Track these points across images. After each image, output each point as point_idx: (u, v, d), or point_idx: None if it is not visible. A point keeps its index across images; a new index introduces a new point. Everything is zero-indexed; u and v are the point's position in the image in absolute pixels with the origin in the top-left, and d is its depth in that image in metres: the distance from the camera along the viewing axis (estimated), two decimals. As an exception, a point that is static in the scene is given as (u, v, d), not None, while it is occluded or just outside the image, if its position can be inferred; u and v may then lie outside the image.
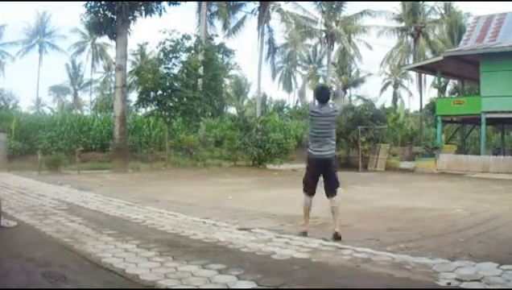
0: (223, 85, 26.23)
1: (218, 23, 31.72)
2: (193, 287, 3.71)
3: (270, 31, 34.47)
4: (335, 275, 4.04)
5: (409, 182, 14.33)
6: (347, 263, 4.44)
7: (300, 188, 5.84)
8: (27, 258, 4.50)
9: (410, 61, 35.41)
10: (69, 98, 55.50)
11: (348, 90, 44.24)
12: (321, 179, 5.70)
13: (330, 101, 5.72)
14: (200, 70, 20.70)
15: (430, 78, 31.40)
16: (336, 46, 38.98)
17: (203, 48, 20.77)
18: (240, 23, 32.03)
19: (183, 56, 20.45)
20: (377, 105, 26.75)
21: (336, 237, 5.38)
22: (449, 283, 3.78)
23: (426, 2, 35.98)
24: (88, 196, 9.72)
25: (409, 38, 37.05)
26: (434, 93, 30.41)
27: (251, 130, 20.51)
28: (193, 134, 24.02)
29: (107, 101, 38.57)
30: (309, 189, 5.66)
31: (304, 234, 5.58)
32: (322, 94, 5.68)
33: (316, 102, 5.72)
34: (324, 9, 34.95)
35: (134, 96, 28.33)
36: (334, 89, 5.60)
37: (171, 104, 19.34)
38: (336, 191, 5.57)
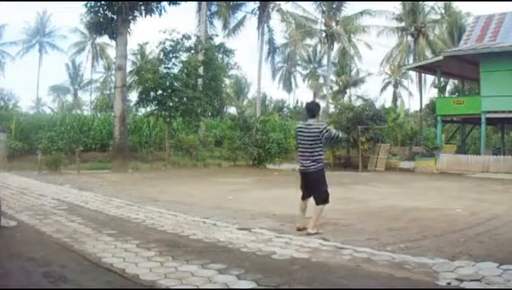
0: (223, 85, 26.26)
1: (218, 23, 31.82)
2: (193, 287, 3.71)
3: (270, 30, 34.56)
4: (335, 275, 4.04)
5: (409, 182, 14.31)
6: (347, 262, 4.44)
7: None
8: (27, 258, 4.50)
9: (410, 61, 35.39)
10: (69, 98, 55.56)
11: (348, 90, 44.32)
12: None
13: (318, 121, 6.00)
14: (200, 70, 20.70)
15: (430, 78, 31.42)
16: (336, 46, 39.01)
17: (203, 48, 20.78)
18: (240, 23, 32.09)
19: (183, 56, 20.49)
20: (377, 104, 26.66)
21: (301, 230, 5.78)
22: (449, 283, 3.78)
23: (426, 2, 36.02)
24: (88, 195, 9.73)
25: (409, 38, 37.02)
26: (434, 92, 30.42)
27: (251, 130, 20.50)
28: (193, 134, 24.02)
29: (107, 101, 38.64)
30: (302, 193, 6.12)
31: (299, 229, 5.88)
32: (310, 108, 6.01)
33: (303, 121, 6.03)
34: (324, 9, 34.95)
35: (134, 96, 28.39)
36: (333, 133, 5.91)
37: (171, 104, 19.35)
38: (318, 202, 5.86)
